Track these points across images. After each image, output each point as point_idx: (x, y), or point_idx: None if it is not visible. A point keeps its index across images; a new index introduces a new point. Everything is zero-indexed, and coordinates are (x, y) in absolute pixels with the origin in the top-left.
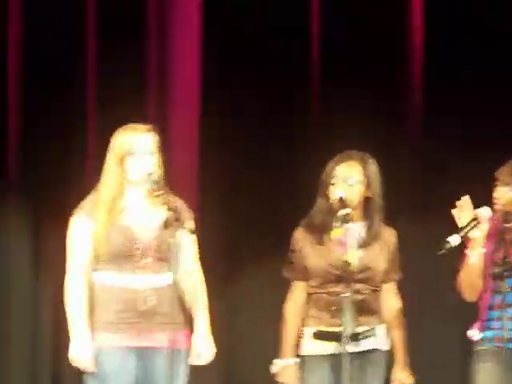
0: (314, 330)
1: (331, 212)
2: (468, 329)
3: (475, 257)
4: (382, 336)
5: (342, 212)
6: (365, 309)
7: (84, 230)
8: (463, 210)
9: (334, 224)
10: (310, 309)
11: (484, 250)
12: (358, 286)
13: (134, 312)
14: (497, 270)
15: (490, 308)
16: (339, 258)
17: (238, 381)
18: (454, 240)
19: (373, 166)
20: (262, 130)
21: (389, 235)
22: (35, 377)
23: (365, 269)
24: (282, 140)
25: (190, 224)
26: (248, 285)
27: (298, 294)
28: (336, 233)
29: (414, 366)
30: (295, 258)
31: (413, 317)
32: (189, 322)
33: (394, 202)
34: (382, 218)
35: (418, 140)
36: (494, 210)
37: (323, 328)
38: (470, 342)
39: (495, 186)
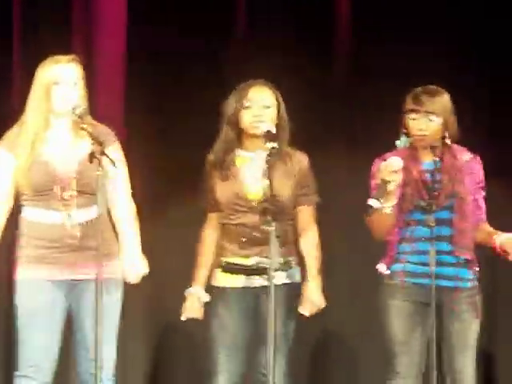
0: (224, 261)
1: (238, 139)
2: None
3: (389, 208)
4: (296, 268)
5: (269, 145)
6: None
7: (4, 164)
8: (381, 168)
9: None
10: (222, 240)
11: (396, 201)
12: (266, 216)
13: (60, 247)
14: (423, 203)
15: (401, 241)
16: (242, 188)
17: (164, 307)
18: (374, 203)
19: (278, 92)
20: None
21: (298, 160)
22: None
23: (269, 197)
24: (206, 67)
25: (116, 155)
26: (173, 216)
27: (210, 224)
28: (240, 162)
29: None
30: (205, 189)
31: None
32: (118, 253)
33: None
34: (289, 143)
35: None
36: (413, 143)
37: (233, 259)
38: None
39: (412, 119)
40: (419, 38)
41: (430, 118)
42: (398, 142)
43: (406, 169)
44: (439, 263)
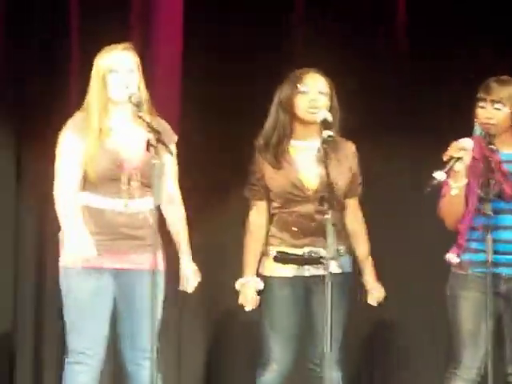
0: (276, 251)
1: (291, 125)
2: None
3: (457, 188)
4: (347, 258)
5: (325, 133)
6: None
7: (74, 148)
8: (451, 146)
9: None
10: (272, 228)
11: (466, 181)
12: (319, 205)
13: (115, 234)
14: (481, 193)
15: (473, 229)
16: (298, 177)
17: (220, 296)
18: (439, 175)
19: (329, 79)
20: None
21: (348, 148)
22: (18, 292)
23: (326, 186)
24: (266, 73)
25: (172, 146)
26: (229, 207)
27: (258, 213)
28: (294, 151)
29: (393, 292)
30: (255, 178)
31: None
32: (168, 244)
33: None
34: (341, 132)
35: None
36: (480, 132)
37: (284, 249)
38: (447, 267)
39: (481, 107)
40: (477, 36)
41: (496, 106)
42: (475, 130)
43: (480, 157)
44: (507, 252)
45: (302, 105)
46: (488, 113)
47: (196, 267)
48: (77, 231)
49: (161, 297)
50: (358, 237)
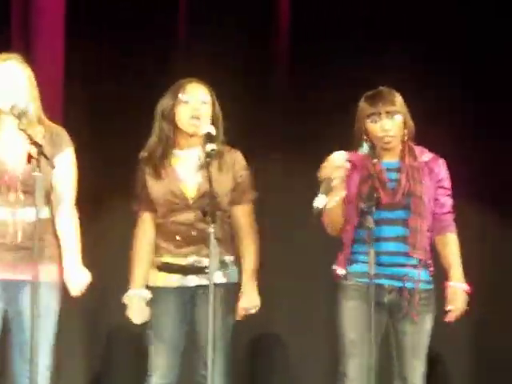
0: (160, 261)
1: (174, 135)
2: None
3: (335, 202)
4: (235, 268)
5: (208, 147)
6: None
7: None
8: (326, 164)
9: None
10: (158, 239)
11: (344, 194)
12: (201, 214)
13: (1, 245)
14: (363, 205)
15: (356, 242)
16: (178, 186)
17: (107, 308)
18: (320, 202)
19: (211, 88)
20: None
21: (234, 157)
22: None
23: (206, 195)
24: (147, 67)
25: (63, 159)
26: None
27: (144, 224)
28: (175, 161)
29: (283, 301)
30: (139, 190)
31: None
32: (58, 256)
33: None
34: (225, 141)
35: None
36: (367, 148)
37: (169, 259)
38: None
39: (374, 121)
40: (361, 46)
41: (391, 117)
42: (361, 149)
43: (364, 167)
44: (394, 264)
45: (183, 115)
46: (386, 125)
47: (85, 269)
48: None
49: (54, 310)
50: (243, 249)
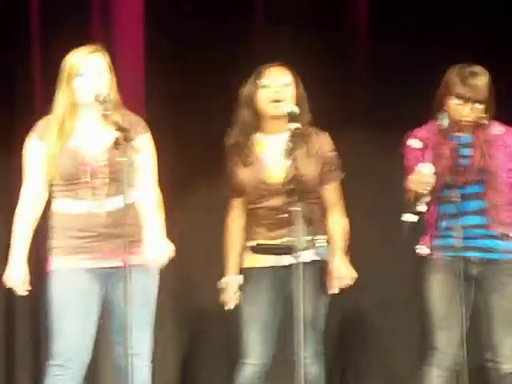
0: (254, 244)
1: (256, 122)
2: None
3: (423, 207)
4: (324, 246)
5: (292, 126)
6: (304, 219)
7: (36, 154)
8: (414, 179)
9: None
10: (249, 224)
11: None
12: (292, 197)
13: (91, 235)
14: (449, 179)
15: (441, 218)
16: (265, 172)
17: (196, 292)
18: (410, 218)
19: (293, 70)
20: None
21: (320, 138)
22: None
23: (293, 179)
24: (230, 70)
25: (145, 138)
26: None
27: (235, 210)
28: (261, 146)
29: (366, 277)
30: (227, 175)
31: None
32: None
33: None
34: (311, 122)
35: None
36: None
37: (261, 241)
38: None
39: (458, 104)
40: (438, 20)
41: (476, 106)
42: (442, 121)
43: (438, 144)
44: (478, 236)
45: (264, 99)
46: (466, 111)
47: (168, 242)
48: (14, 259)
49: (151, 292)
50: (333, 225)
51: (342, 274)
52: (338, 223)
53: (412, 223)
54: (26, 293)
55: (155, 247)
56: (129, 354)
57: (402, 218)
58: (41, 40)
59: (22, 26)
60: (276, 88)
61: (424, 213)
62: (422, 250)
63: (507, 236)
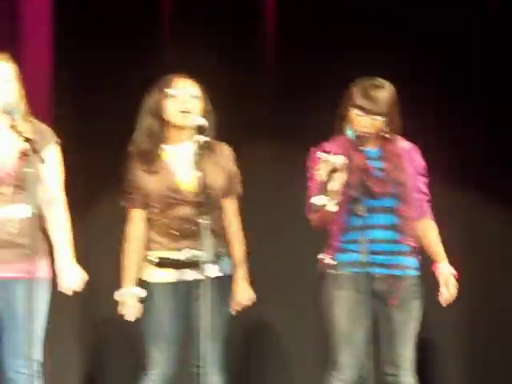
0: (156, 257)
1: (163, 130)
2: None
3: (334, 205)
4: (228, 261)
5: (199, 138)
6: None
7: None
8: (321, 166)
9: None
10: (151, 234)
11: (340, 199)
12: (198, 208)
13: None
14: (355, 193)
15: (346, 230)
16: (174, 181)
17: (98, 305)
18: (319, 201)
19: (200, 84)
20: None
21: (223, 150)
22: None
23: (202, 189)
24: (132, 67)
25: (52, 155)
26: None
27: (134, 221)
28: (167, 156)
29: (266, 291)
30: (130, 186)
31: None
32: (50, 251)
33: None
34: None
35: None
36: (352, 134)
37: (164, 254)
38: (321, 266)
39: (358, 115)
40: (348, 38)
41: (374, 117)
42: (348, 133)
43: (349, 157)
44: (385, 252)
45: (172, 109)
46: (366, 122)
47: (79, 267)
48: None
49: (43, 305)
50: (234, 240)
51: (242, 298)
52: (237, 237)
53: (319, 207)
54: None
55: (68, 274)
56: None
57: (312, 201)
58: None
59: None
60: (185, 99)
61: (332, 212)
62: (327, 260)
63: (416, 249)
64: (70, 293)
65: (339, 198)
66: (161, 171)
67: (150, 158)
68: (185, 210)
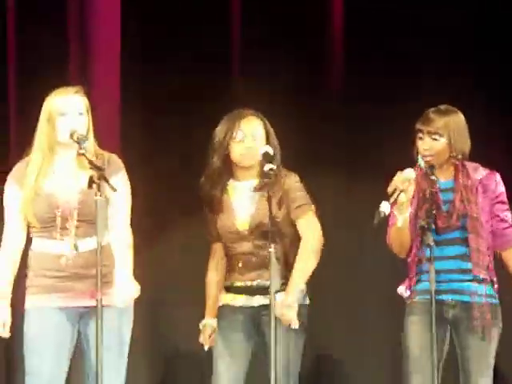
0: (228, 284)
1: (229, 169)
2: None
3: (403, 220)
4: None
5: (266, 167)
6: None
7: (14, 197)
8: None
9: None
10: (226, 267)
11: (410, 211)
12: (261, 241)
13: (65, 276)
14: (423, 223)
15: (420, 261)
16: (232, 220)
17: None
18: (385, 208)
19: (266, 121)
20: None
21: (289, 179)
22: None
23: (260, 224)
24: (204, 97)
25: (120, 183)
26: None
27: (213, 254)
28: (232, 192)
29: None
30: (206, 221)
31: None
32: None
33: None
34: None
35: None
36: (422, 163)
37: (235, 283)
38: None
39: (420, 138)
40: (419, 58)
41: (433, 137)
42: (419, 162)
43: (421, 188)
44: (456, 280)
45: (237, 152)
46: (426, 144)
47: (135, 282)
48: None
49: (127, 334)
50: (297, 257)
51: (283, 303)
52: (302, 259)
53: (384, 214)
54: (8, 335)
55: (122, 288)
56: None
57: (379, 208)
58: (17, 80)
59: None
60: (249, 143)
61: (401, 229)
62: (404, 292)
63: (489, 280)
64: (121, 306)
65: (406, 213)
66: (223, 209)
67: (214, 198)
68: (246, 246)
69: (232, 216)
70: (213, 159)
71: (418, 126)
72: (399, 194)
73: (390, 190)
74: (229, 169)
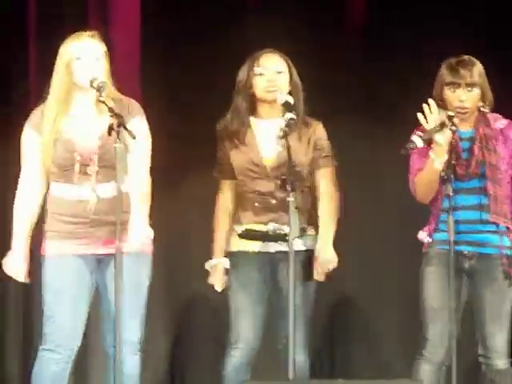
0: (241, 228)
1: (252, 107)
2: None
3: (440, 163)
4: (312, 235)
5: (287, 116)
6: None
7: (32, 143)
8: (429, 114)
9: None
10: (237, 207)
11: (445, 158)
12: (282, 184)
13: (84, 222)
14: (442, 173)
15: (441, 211)
16: (257, 154)
17: (178, 280)
18: (417, 140)
19: (288, 58)
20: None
21: (313, 127)
22: None
23: (283, 165)
24: (224, 56)
25: (139, 128)
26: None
27: (225, 193)
28: (254, 129)
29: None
30: (221, 157)
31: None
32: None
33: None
34: (306, 111)
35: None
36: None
37: (249, 226)
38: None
39: (452, 91)
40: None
41: (469, 89)
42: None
43: None
44: (473, 231)
45: (259, 86)
46: (462, 96)
47: (149, 227)
48: (15, 248)
49: (143, 280)
50: (322, 211)
51: (324, 258)
52: (326, 210)
53: (414, 146)
54: (27, 281)
55: (135, 231)
56: (119, 342)
57: (411, 138)
58: (36, 35)
59: (18, 21)
60: (271, 76)
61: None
62: (425, 238)
63: (506, 229)
64: (134, 248)
65: (445, 157)
66: (246, 144)
67: (236, 133)
68: (267, 185)
69: (256, 149)
70: (237, 98)
71: (450, 78)
72: (437, 131)
73: (427, 126)
74: (253, 108)
